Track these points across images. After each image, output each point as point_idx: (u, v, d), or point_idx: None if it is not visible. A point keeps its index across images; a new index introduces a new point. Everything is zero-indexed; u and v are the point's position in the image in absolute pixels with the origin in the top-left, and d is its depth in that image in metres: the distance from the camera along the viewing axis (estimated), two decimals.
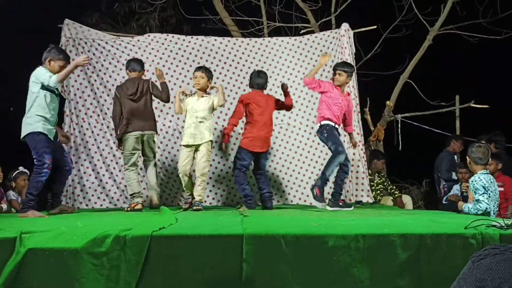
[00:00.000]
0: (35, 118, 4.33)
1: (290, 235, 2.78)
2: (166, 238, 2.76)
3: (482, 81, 9.49)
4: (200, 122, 5.13)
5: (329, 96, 5.27)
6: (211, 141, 5.21)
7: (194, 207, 5.06)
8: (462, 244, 2.81)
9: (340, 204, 5.20)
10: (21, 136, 4.40)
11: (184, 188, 5.40)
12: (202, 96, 5.24)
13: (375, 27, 7.07)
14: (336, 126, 5.28)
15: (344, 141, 5.72)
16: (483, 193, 4.26)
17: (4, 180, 5.67)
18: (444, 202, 6.04)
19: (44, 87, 4.36)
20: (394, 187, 7.00)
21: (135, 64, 5.46)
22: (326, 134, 5.22)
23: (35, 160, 4.31)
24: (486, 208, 4.23)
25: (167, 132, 6.43)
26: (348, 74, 5.33)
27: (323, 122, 5.27)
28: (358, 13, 8.47)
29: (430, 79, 9.11)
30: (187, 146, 5.18)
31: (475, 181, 4.35)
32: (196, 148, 5.16)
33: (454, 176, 6.36)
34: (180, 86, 6.48)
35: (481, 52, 8.89)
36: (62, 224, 3.29)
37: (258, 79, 5.59)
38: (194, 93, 5.35)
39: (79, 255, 2.65)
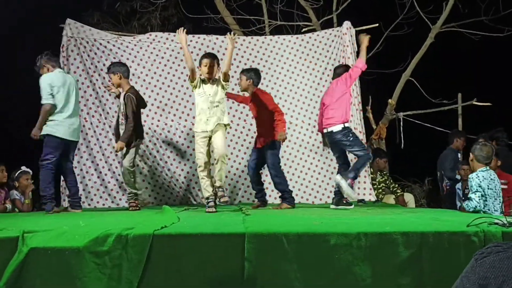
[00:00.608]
0: None
1: (292, 233, 2.78)
2: (168, 237, 2.76)
3: (485, 79, 9.47)
4: (216, 106, 4.77)
5: (349, 94, 5.19)
6: (227, 124, 4.86)
7: (220, 198, 4.64)
8: (464, 242, 2.81)
9: (344, 202, 5.21)
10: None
11: (204, 187, 4.77)
12: (212, 81, 4.84)
13: (376, 25, 7.05)
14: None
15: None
16: (476, 191, 4.27)
17: (8, 179, 5.67)
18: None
19: None
20: (396, 186, 6.99)
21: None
22: (351, 138, 5.09)
23: None
24: (476, 207, 4.23)
25: (169, 131, 6.43)
26: None
27: (346, 125, 5.13)
28: (360, 11, 8.45)
29: (432, 77, 9.09)
30: (203, 132, 4.76)
31: (472, 178, 4.37)
32: (212, 133, 4.75)
33: (458, 176, 6.35)
34: (182, 86, 6.49)
35: (483, 50, 8.87)
36: (64, 223, 3.30)
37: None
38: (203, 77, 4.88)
39: (81, 254, 2.66)
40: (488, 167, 4.47)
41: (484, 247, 1.12)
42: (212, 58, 4.89)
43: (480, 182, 4.30)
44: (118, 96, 5.44)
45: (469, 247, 2.78)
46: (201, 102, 4.79)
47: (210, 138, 4.73)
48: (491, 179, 4.36)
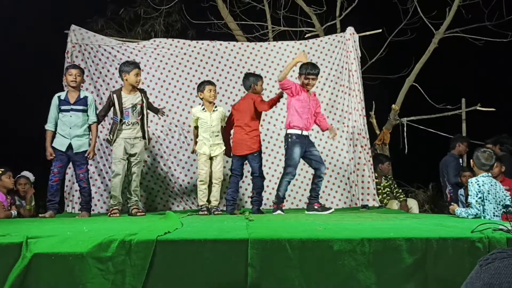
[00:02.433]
0: None
1: (295, 239, 2.77)
2: (171, 243, 2.76)
3: (489, 84, 9.45)
4: (216, 136, 5.34)
5: (297, 99, 5.23)
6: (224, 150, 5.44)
7: (215, 213, 5.25)
8: (468, 248, 2.79)
9: (316, 207, 5.21)
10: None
11: (201, 197, 5.35)
12: (214, 110, 5.36)
13: (380, 30, 7.06)
14: (305, 133, 5.25)
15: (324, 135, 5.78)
16: (476, 198, 4.24)
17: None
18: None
19: None
20: (400, 191, 6.96)
21: None
22: (287, 146, 5.26)
23: None
24: (477, 214, 4.20)
25: (172, 137, 6.43)
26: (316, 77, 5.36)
27: (289, 131, 5.26)
28: (363, 16, 8.47)
29: (435, 82, 9.08)
30: (204, 155, 5.32)
31: (471, 183, 4.34)
32: (212, 156, 5.35)
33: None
34: (185, 92, 6.50)
35: (487, 55, 8.86)
36: (67, 229, 3.30)
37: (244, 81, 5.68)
38: (203, 106, 5.40)
39: (84, 260, 2.65)
40: (489, 173, 4.44)
41: (489, 253, 1.11)
42: (214, 85, 5.46)
43: (480, 187, 4.28)
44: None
45: (474, 253, 2.76)
46: (202, 131, 5.34)
47: (211, 158, 5.34)
48: (491, 185, 4.33)
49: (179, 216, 4.34)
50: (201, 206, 5.33)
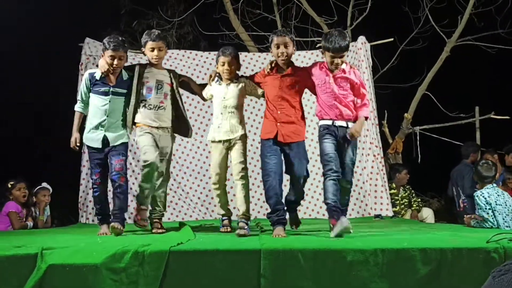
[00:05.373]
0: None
1: (308, 249, 2.76)
2: (184, 254, 2.77)
3: (502, 92, 9.36)
4: (230, 112, 4.10)
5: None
6: (244, 135, 4.14)
7: (239, 231, 3.66)
8: (484, 258, 2.76)
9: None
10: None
11: (218, 203, 4.27)
12: (230, 83, 4.15)
13: (392, 39, 7.04)
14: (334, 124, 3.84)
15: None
16: (487, 209, 4.20)
17: (29, 196, 5.70)
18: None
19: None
20: (419, 200, 6.90)
21: None
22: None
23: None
24: (492, 226, 4.18)
25: (185, 147, 6.43)
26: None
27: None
28: (374, 26, 8.47)
29: (448, 90, 9.03)
30: (214, 142, 4.15)
31: (477, 196, 4.31)
32: (229, 145, 4.09)
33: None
34: (198, 102, 6.53)
35: (500, 63, 8.78)
36: (82, 240, 3.34)
37: None
38: (218, 81, 4.27)
39: (98, 271, 2.68)
40: (494, 185, 4.41)
41: (502, 265, 1.11)
42: (231, 56, 4.11)
43: (486, 198, 4.24)
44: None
45: (489, 263, 2.73)
46: (214, 108, 4.24)
47: (228, 149, 4.15)
48: (498, 195, 4.29)
49: (192, 226, 4.19)
50: (222, 217, 4.25)
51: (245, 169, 4.05)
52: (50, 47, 8.95)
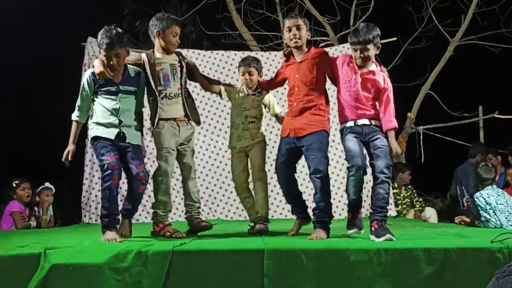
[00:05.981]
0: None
1: (311, 249, 2.76)
2: (187, 253, 2.77)
3: (506, 91, 9.33)
4: (251, 122, 4.02)
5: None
6: (263, 140, 4.06)
7: (257, 228, 3.76)
8: (488, 258, 2.75)
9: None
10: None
11: (246, 209, 4.17)
12: (251, 94, 4.09)
13: (395, 38, 7.03)
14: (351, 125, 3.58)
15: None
16: (488, 210, 4.20)
17: (32, 196, 5.70)
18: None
19: None
20: (420, 200, 6.88)
21: None
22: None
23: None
24: (495, 226, 4.17)
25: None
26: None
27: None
28: (377, 25, 8.42)
29: (452, 90, 9.00)
30: (234, 148, 4.07)
31: (477, 198, 4.31)
32: (248, 150, 4.02)
33: None
34: (201, 102, 6.52)
35: (504, 62, 8.76)
36: (85, 239, 3.34)
37: None
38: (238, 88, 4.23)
39: (101, 271, 2.68)
40: (494, 186, 4.40)
41: (506, 265, 1.10)
42: (252, 65, 4.09)
43: (486, 199, 4.23)
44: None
45: (494, 263, 2.71)
46: (235, 115, 4.16)
47: (246, 155, 4.09)
48: (498, 195, 4.29)
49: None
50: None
51: (263, 171, 3.96)
52: (53, 46, 8.97)
